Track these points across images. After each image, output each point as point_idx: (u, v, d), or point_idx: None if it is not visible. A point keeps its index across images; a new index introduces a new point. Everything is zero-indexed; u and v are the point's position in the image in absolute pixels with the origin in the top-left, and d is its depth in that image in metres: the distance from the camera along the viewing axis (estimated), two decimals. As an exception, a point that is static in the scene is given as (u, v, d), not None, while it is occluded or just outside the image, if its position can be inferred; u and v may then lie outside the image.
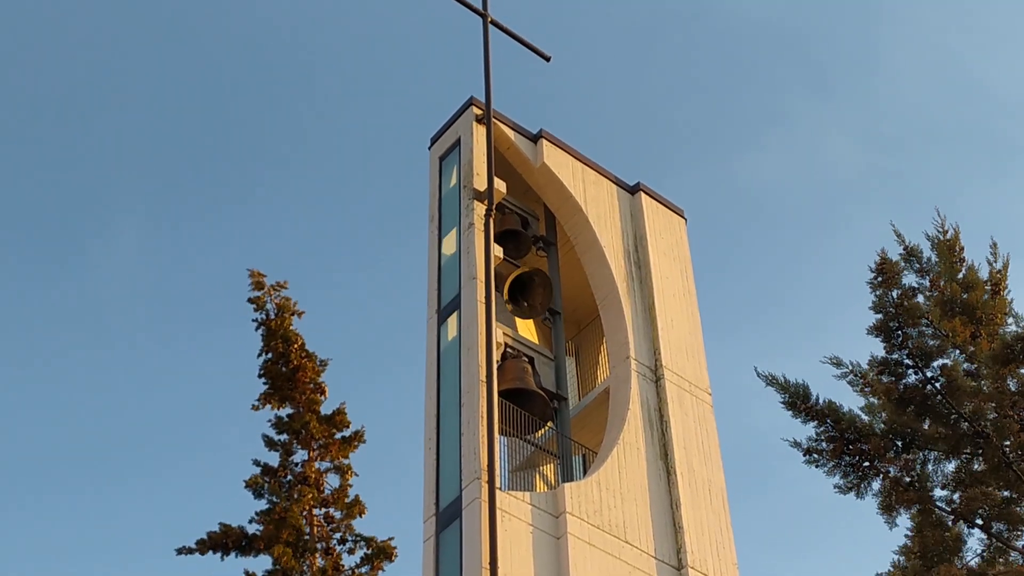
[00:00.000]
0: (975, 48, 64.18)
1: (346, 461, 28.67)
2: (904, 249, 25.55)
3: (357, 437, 29.00)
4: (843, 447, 24.35)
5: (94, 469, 55.57)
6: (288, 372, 29.06)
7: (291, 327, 29.33)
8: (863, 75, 63.25)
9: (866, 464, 24.33)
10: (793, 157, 62.09)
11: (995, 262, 25.72)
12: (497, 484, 17.46)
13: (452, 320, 19.69)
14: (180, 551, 27.60)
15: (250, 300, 29.63)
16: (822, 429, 24.51)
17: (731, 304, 53.14)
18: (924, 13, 63.51)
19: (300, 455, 28.76)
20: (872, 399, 24.70)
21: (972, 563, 23.45)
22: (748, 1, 62.92)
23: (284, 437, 28.80)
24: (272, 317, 29.41)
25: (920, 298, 25.09)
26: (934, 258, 25.62)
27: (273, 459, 28.64)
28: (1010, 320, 25.04)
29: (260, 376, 29.25)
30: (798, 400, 24.46)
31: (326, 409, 29.11)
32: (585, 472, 19.58)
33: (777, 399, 24.68)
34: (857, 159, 61.80)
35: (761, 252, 60.02)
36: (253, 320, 29.46)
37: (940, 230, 25.85)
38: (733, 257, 56.54)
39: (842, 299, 59.55)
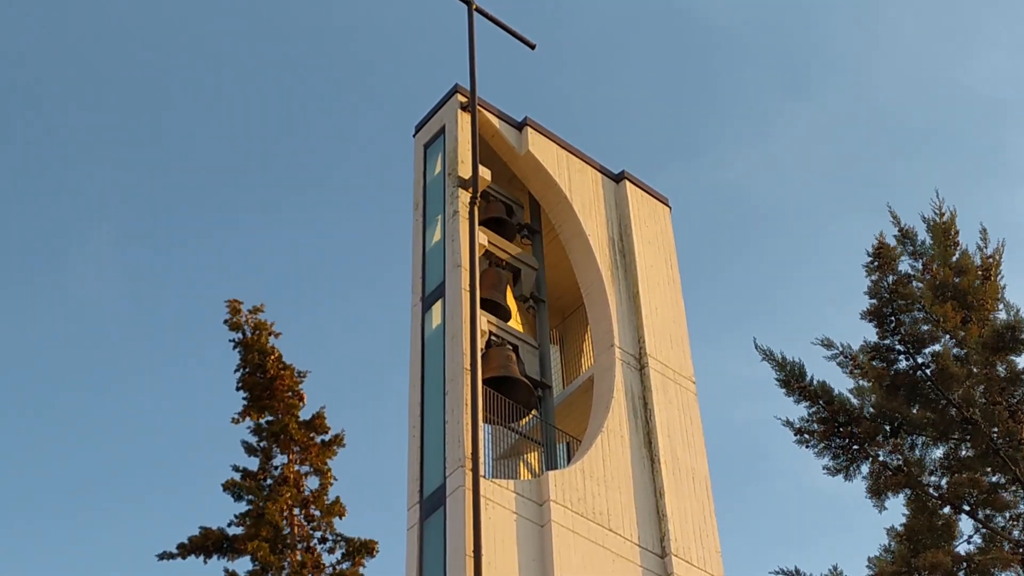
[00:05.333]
0: (954, 50, 64.35)
1: (325, 466, 28.73)
2: (899, 231, 25.54)
3: (336, 441, 29.09)
4: (833, 429, 24.37)
5: (74, 478, 55.49)
6: (265, 381, 29.20)
7: (267, 344, 29.59)
8: (844, 76, 63.38)
9: (855, 447, 24.36)
10: (773, 156, 62.16)
11: (985, 248, 25.73)
12: (481, 472, 17.47)
13: (436, 308, 19.69)
14: (161, 556, 27.71)
15: (226, 322, 29.91)
16: (814, 410, 24.54)
17: (712, 301, 53.20)
18: (905, 16, 63.62)
19: (280, 459, 28.86)
20: (862, 381, 24.70)
21: (966, 549, 23.50)
22: (726, 2, 63.02)
23: (264, 443, 28.89)
24: (248, 335, 29.72)
25: (915, 284, 25.09)
26: (929, 241, 25.61)
27: (253, 464, 28.77)
28: (1001, 307, 25.04)
29: (238, 388, 29.37)
30: (793, 379, 24.46)
31: (306, 415, 29.26)
32: (569, 460, 19.61)
33: (766, 387, 24.76)
34: (833, 161, 61.92)
35: (741, 250, 60.08)
36: (230, 340, 29.78)
37: (937, 212, 25.84)
38: (713, 254, 56.56)
39: (822, 298, 59.65)
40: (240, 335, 29.86)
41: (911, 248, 25.45)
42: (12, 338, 56.65)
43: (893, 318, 24.55)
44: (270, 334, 29.86)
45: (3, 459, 54.28)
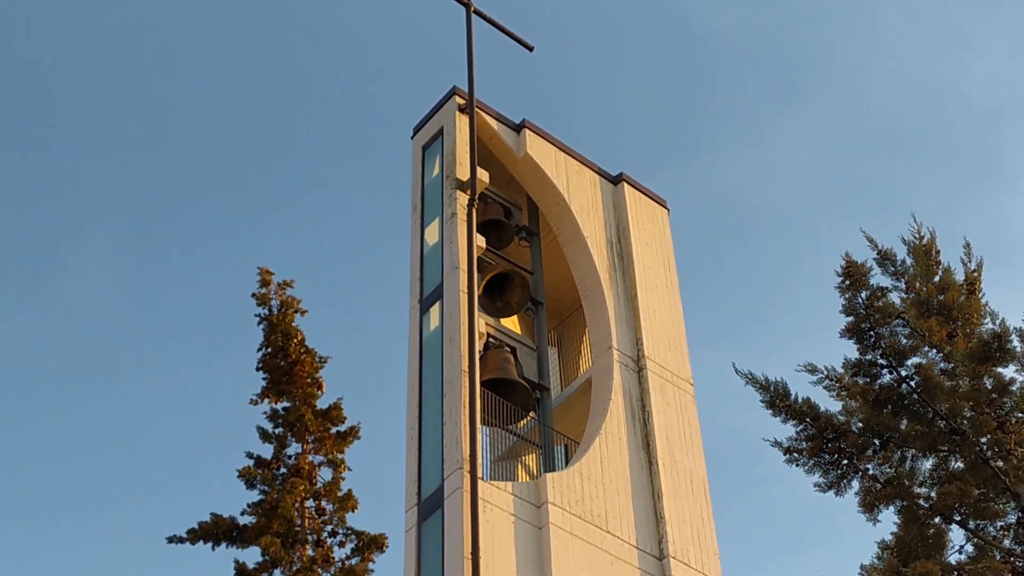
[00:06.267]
0: (947, 55, 64.49)
1: (340, 456, 28.64)
2: (878, 253, 25.64)
3: (352, 433, 28.99)
4: (822, 445, 24.44)
5: (86, 459, 55.51)
6: (286, 366, 29.08)
7: (293, 323, 29.43)
8: (834, 81, 63.48)
9: (845, 462, 24.43)
10: (762, 163, 62.19)
11: (969, 263, 25.82)
12: (479, 474, 17.45)
13: (434, 310, 19.67)
14: (171, 540, 27.62)
15: (254, 295, 29.74)
16: (801, 428, 24.60)
17: (708, 304, 53.20)
18: (897, 20, 63.74)
19: (294, 448, 28.76)
20: (850, 402, 24.80)
21: (957, 559, 23.51)
22: (718, 8, 63.11)
23: (279, 430, 28.80)
24: (275, 312, 29.52)
25: (895, 298, 25.19)
26: (909, 261, 25.72)
27: (267, 452, 28.67)
28: (987, 320, 25.11)
29: (258, 369, 29.28)
30: (777, 399, 24.53)
31: (322, 404, 29.15)
32: (567, 462, 19.58)
33: (757, 399, 24.77)
34: (827, 165, 62.01)
35: (736, 254, 60.10)
36: (256, 315, 29.60)
37: (916, 235, 25.95)
38: (708, 258, 56.54)
39: (818, 302, 59.69)
40: (266, 310, 29.67)
41: (891, 269, 25.56)
42: (13, 340, 56.70)
43: (872, 333, 24.65)
44: (296, 311, 29.69)
45: (11, 450, 54.38)
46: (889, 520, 26.04)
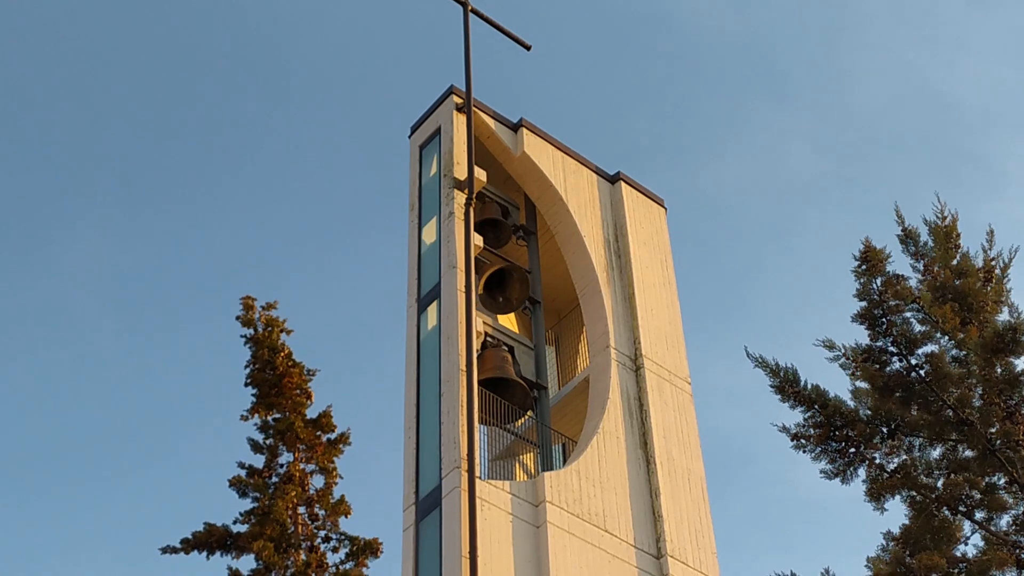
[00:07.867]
0: (933, 57, 64.60)
1: (331, 464, 28.70)
2: (902, 230, 25.59)
3: (342, 439, 29.06)
4: (829, 433, 24.41)
5: (78, 469, 55.47)
6: (274, 379, 29.16)
7: (279, 340, 29.59)
8: (823, 83, 63.57)
9: (852, 450, 24.39)
10: (753, 164, 62.23)
11: (990, 250, 25.76)
12: (477, 473, 17.47)
13: (432, 309, 19.68)
14: (164, 550, 27.72)
15: (238, 318, 29.88)
16: (809, 415, 24.56)
17: (696, 303, 53.24)
18: (884, 23, 63.83)
19: (285, 457, 28.82)
20: (860, 383, 24.73)
21: (963, 550, 23.48)
22: (711, 10, 63.18)
23: (270, 441, 28.86)
24: (260, 331, 29.69)
25: (912, 282, 25.13)
26: (930, 243, 25.65)
27: (259, 462, 28.74)
28: (1004, 310, 25.04)
29: (247, 384, 29.35)
30: (787, 384, 24.49)
31: (312, 413, 29.20)
32: (565, 461, 19.60)
33: (760, 390, 24.78)
34: (816, 166, 62.07)
35: (722, 255, 60.10)
36: (241, 336, 29.81)
37: (939, 216, 25.88)
38: (696, 258, 56.54)
39: (803, 302, 59.75)
40: (251, 331, 29.84)
41: (912, 248, 25.49)
42: (4, 338, 56.63)
43: (884, 320, 24.59)
44: (281, 331, 29.85)
45: (4, 454, 54.32)
46: (894, 511, 26.03)
